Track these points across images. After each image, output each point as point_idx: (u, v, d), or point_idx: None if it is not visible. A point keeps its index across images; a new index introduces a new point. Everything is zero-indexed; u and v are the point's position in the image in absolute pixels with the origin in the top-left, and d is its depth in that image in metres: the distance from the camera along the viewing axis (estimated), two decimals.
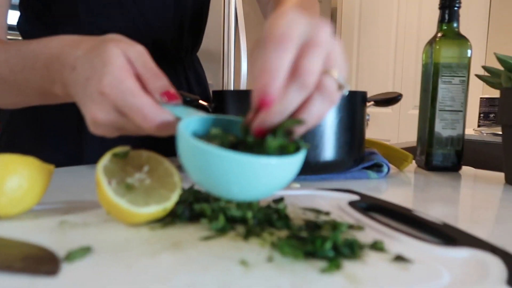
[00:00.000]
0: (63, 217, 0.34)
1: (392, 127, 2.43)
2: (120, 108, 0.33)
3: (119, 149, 0.33)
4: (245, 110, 0.32)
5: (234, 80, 1.88)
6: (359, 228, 0.33)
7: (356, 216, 0.36)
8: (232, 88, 1.87)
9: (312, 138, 0.53)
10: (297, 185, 0.53)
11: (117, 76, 0.33)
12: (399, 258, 0.27)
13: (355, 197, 0.43)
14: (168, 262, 0.26)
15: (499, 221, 0.40)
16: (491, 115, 1.71)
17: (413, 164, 0.71)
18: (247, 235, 0.30)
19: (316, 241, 0.27)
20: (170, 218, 0.33)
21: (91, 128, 0.35)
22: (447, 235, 0.32)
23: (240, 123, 0.32)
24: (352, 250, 0.27)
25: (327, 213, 0.37)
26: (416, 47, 2.31)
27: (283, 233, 0.31)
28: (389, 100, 0.62)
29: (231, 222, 0.32)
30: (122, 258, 0.26)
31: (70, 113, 0.66)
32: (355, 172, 0.58)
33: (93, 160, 0.66)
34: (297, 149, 0.30)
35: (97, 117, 0.34)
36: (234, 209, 0.32)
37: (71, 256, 0.26)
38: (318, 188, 0.46)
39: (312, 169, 0.55)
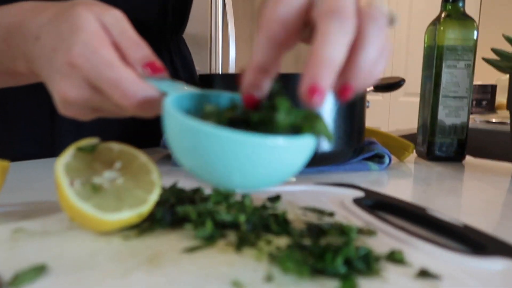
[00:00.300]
0: (19, 224, 0.28)
1: (383, 115, 2.40)
2: (94, 82, 0.27)
3: (85, 142, 0.28)
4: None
5: (222, 66, 1.81)
6: (371, 232, 0.28)
7: (364, 217, 0.32)
8: (220, 42, 1.79)
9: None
10: (292, 179, 0.48)
11: (90, 44, 0.27)
12: (424, 274, 0.22)
13: (359, 193, 0.38)
14: (141, 285, 0.21)
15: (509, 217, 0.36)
16: (484, 102, 1.68)
17: (413, 154, 0.67)
18: (240, 245, 0.25)
19: (326, 255, 0.22)
20: (148, 224, 0.27)
21: (61, 109, 0.30)
22: (473, 241, 0.27)
23: (239, 99, 0.27)
24: (368, 264, 0.23)
25: (331, 214, 0.32)
26: (407, 30, 2.27)
27: (282, 240, 0.26)
28: (390, 85, 0.57)
29: (221, 228, 0.27)
30: (83, 281, 0.21)
31: (42, 95, 0.60)
32: (355, 164, 0.54)
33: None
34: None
35: (67, 95, 0.28)
36: (224, 213, 0.27)
37: (19, 279, 0.20)
38: (317, 183, 0.42)
39: (309, 162, 0.50)
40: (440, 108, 0.62)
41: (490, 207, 0.40)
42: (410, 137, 0.70)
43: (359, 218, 0.32)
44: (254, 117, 0.26)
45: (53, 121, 0.62)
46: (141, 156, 0.29)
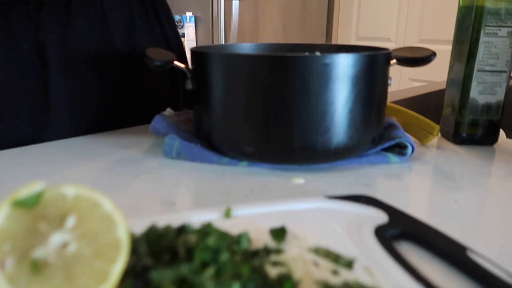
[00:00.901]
0: None
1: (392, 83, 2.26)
2: None
3: (25, 191, 0.21)
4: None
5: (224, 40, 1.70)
6: None
7: (392, 271, 0.25)
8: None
9: (321, 119, 0.41)
10: (300, 180, 0.42)
11: None
12: None
13: (381, 216, 0.32)
14: None
15: None
16: None
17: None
18: None
19: None
20: None
21: None
22: None
23: None
24: None
25: (349, 264, 0.25)
26: None
27: None
28: (418, 60, 0.48)
29: None
30: None
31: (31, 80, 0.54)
32: (373, 156, 0.47)
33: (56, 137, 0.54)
34: None
35: None
36: (211, 284, 0.21)
37: None
38: (328, 197, 0.35)
39: (321, 157, 0.43)
40: (474, 84, 0.53)
41: None
42: (427, 98, 0.62)
43: (385, 269, 0.25)
44: None
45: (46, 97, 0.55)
46: (105, 204, 0.22)
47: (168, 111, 0.57)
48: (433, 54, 0.48)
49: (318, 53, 0.43)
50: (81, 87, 0.58)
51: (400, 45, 2.22)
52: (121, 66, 0.61)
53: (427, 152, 0.52)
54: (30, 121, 0.55)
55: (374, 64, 0.42)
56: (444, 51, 2.13)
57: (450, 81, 0.57)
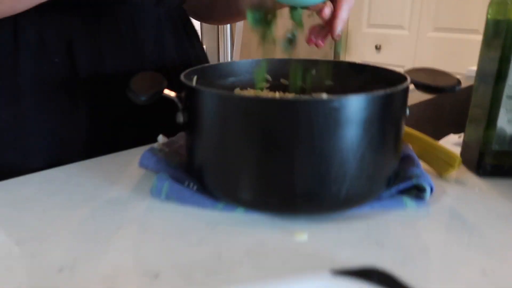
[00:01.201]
0: None
1: (408, 52, 2.17)
2: None
3: None
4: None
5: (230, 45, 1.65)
6: None
7: None
8: (229, 56, 1.64)
9: (327, 168, 0.35)
10: (303, 236, 0.37)
11: None
12: None
13: None
14: None
15: None
16: None
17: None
18: None
19: None
20: None
21: None
22: None
23: None
24: None
25: None
26: None
27: None
28: (440, 89, 0.42)
29: None
30: None
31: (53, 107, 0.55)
32: (387, 200, 0.41)
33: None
34: None
35: None
36: None
37: None
38: (333, 272, 0.30)
39: (327, 209, 0.38)
40: (502, 111, 0.47)
41: None
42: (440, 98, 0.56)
43: None
44: None
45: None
46: None
47: (160, 139, 0.52)
48: (458, 83, 0.42)
49: (324, 95, 0.37)
50: (109, 101, 0.58)
51: (414, 33, 2.12)
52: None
53: (446, 188, 0.46)
54: (58, 132, 0.55)
55: (390, 104, 0.36)
56: (460, 41, 2.03)
57: (473, 104, 0.51)
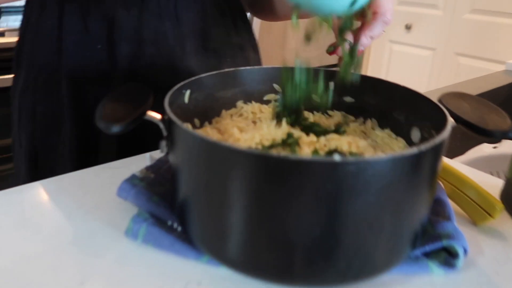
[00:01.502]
0: None
1: (440, 34, 2.00)
2: None
3: None
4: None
5: None
6: None
7: None
8: None
9: (338, 242, 0.28)
10: None
11: None
12: None
13: None
14: None
15: None
16: None
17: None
18: None
19: None
20: None
21: None
22: None
23: None
24: None
25: None
26: None
27: None
28: (490, 133, 0.33)
29: None
30: None
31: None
32: (409, 264, 0.34)
33: None
34: None
35: None
36: None
37: None
38: None
39: (336, 283, 0.31)
40: None
41: None
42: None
43: None
44: None
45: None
46: None
47: (148, 158, 0.45)
48: (511, 131, 0.33)
49: (337, 156, 0.29)
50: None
51: (449, 14, 1.95)
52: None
53: (482, 244, 0.38)
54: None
55: (423, 163, 0.28)
56: (501, 26, 1.86)
57: None
